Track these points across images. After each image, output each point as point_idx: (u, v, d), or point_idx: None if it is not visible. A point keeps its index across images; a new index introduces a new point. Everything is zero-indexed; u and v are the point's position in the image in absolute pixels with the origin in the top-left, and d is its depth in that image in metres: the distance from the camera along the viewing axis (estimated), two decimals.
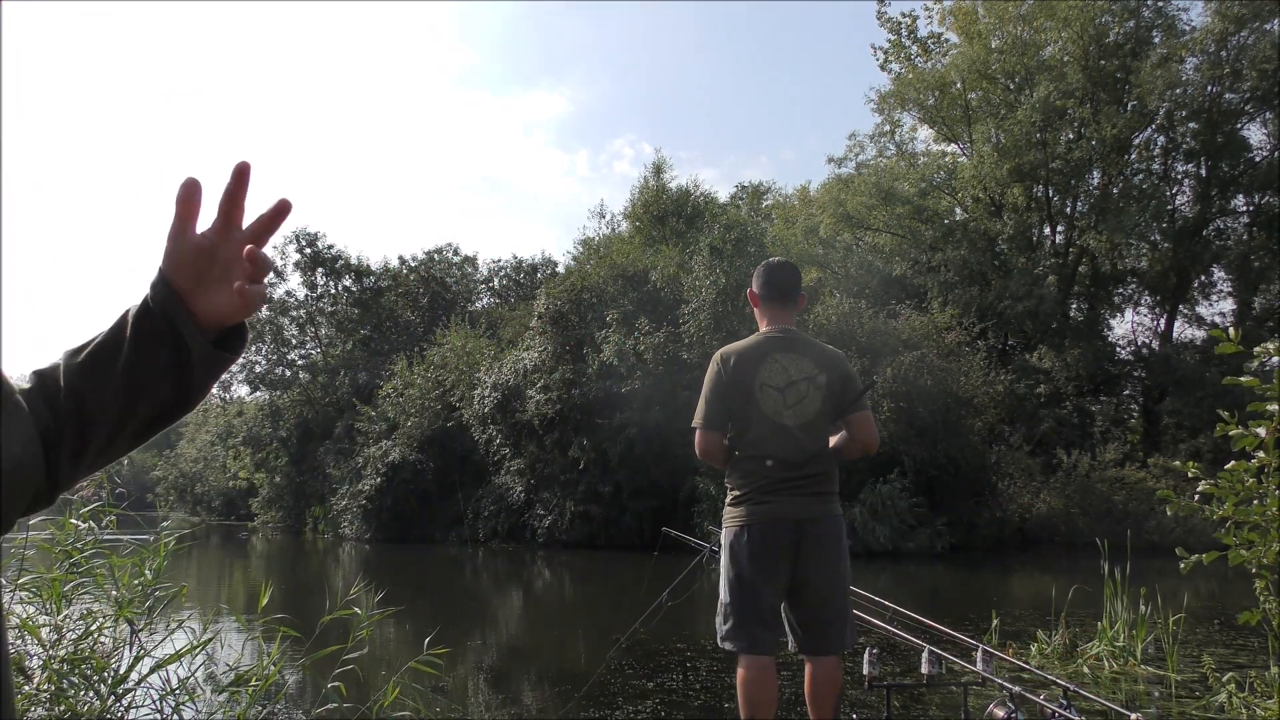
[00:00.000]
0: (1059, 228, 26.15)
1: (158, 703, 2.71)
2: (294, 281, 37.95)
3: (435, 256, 39.01)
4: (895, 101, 27.27)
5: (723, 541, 3.13)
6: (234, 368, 38.19)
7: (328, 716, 3.11)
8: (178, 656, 2.74)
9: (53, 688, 2.57)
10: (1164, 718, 4.79)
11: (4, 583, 2.85)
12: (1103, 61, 24.00)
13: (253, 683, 2.84)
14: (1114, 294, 26.58)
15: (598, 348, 20.60)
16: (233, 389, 39.88)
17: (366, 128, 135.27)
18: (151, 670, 2.72)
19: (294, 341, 38.74)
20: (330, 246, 37.31)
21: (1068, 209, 25.79)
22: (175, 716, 2.71)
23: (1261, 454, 3.16)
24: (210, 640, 2.89)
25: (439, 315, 34.30)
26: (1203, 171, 25.03)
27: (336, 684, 2.87)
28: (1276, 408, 3.04)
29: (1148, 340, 26.70)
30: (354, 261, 37.56)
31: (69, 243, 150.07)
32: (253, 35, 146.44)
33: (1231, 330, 3.14)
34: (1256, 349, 3.12)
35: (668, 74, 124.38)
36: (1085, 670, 5.96)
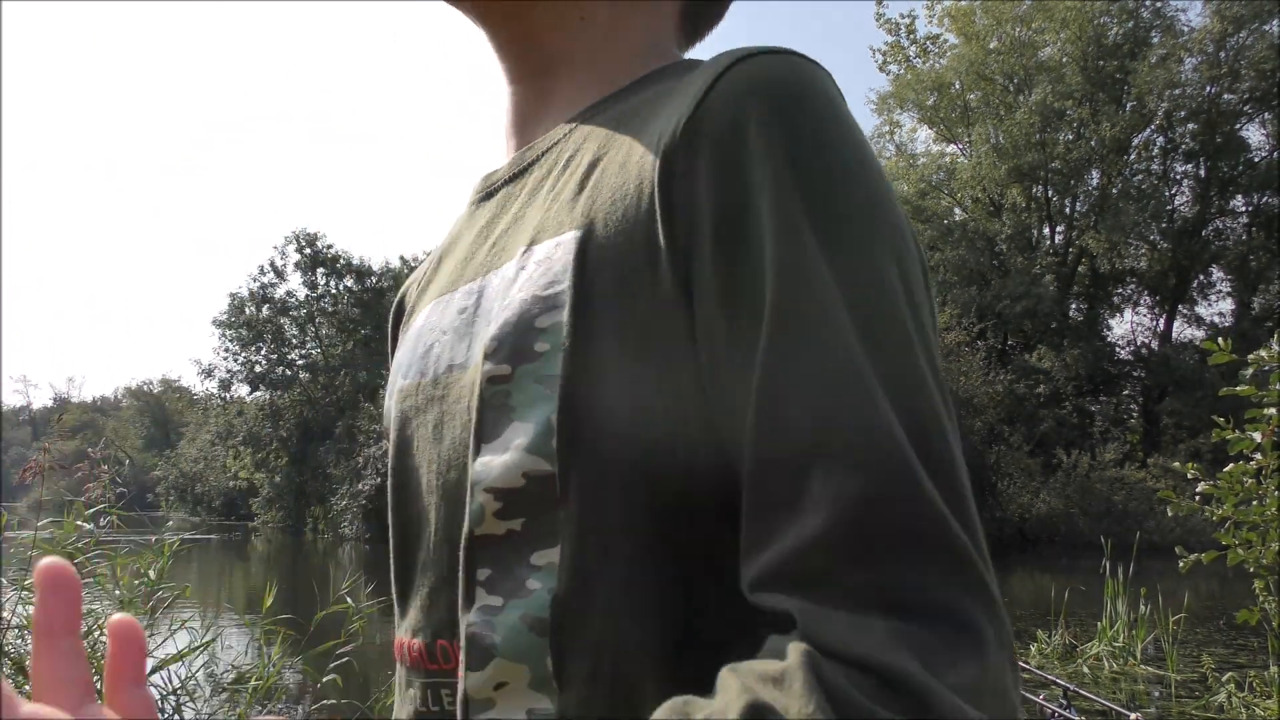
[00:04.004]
0: (1058, 228, 26.15)
1: (159, 703, 2.72)
2: (294, 281, 38.01)
3: None
4: (894, 102, 27.29)
5: None
6: (235, 366, 38.34)
7: (326, 716, 3.12)
8: (179, 657, 2.75)
9: None
10: (1164, 717, 4.80)
11: (4, 582, 2.86)
12: (1101, 62, 24.00)
13: (252, 682, 2.85)
14: (1113, 294, 26.58)
15: None
16: (233, 389, 39.87)
17: (366, 127, 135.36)
18: (153, 670, 2.73)
19: (294, 341, 38.72)
20: (329, 246, 37.32)
21: (1067, 209, 25.79)
22: (176, 716, 2.71)
23: (1260, 456, 3.17)
24: (212, 641, 2.90)
25: None
26: (1202, 172, 25.04)
27: (332, 676, 2.88)
28: (1274, 411, 3.05)
29: (1147, 340, 26.71)
30: (355, 262, 37.58)
31: (68, 243, 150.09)
32: (253, 33, 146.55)
33: (1221, 340, 3.14)
34: (1250, 356, 3.13)
35: None
36: (1085, 670, 5.96)
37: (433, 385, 0.52)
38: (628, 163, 0.46)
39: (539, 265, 0.46)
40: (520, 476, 0.44)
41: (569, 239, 0.45)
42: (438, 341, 0.52)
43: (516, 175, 0.55)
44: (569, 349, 0.43)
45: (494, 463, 0.45)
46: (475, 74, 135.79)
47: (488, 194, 0.57)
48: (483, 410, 0.46)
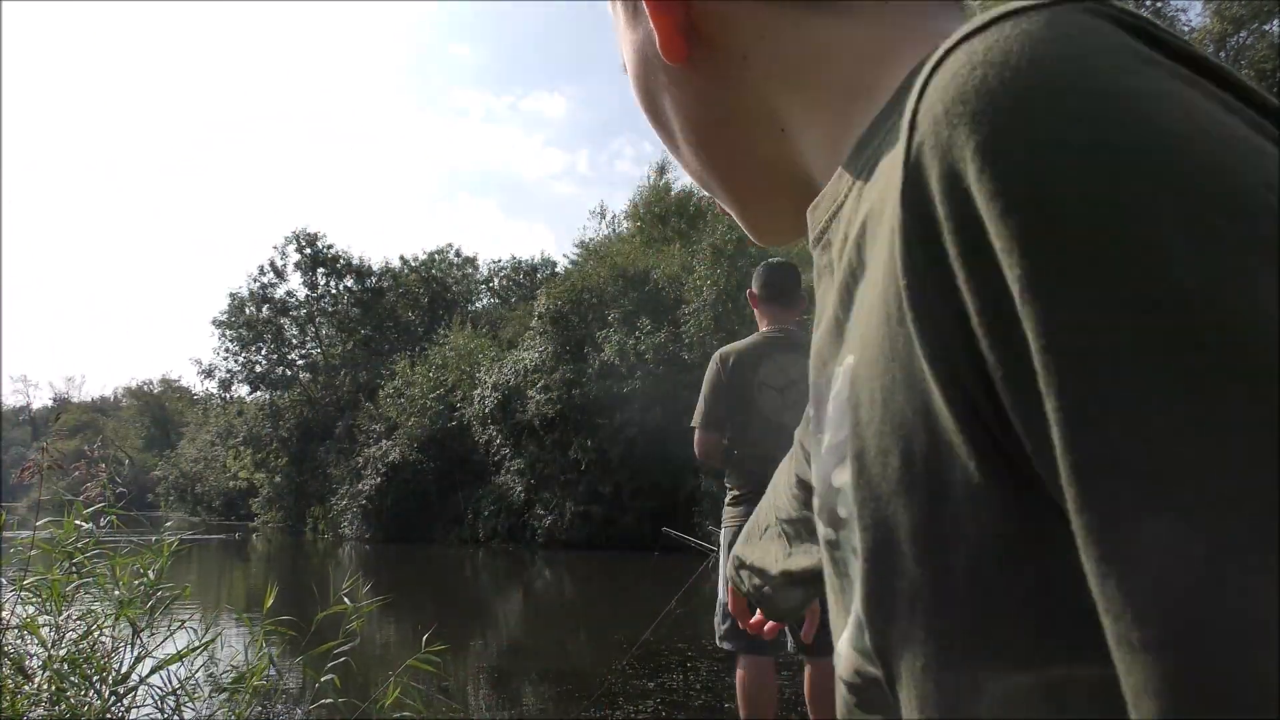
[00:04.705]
0: None
1: (159, 703, 2.72)
2: (294, 281, 38.06)
3: (436, 257, 39.06)
4: None
5: (722, 541, 3.14)
6: (234, 366, 38.35)
7: (325, 716, 3.12)
8: (179, 657, 2.75)
9: (53, 688, 2.57)
10: None
11: (4, 582, 2.86)
12: None
13: (252, 682, 2.85)
14: None
15: (598, 348, 20.62)
16: (233, 389, 39.92)
17: (366, 127, 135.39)
18: (152, 671, 2.72)
19: (294, 341, 38.77)
20: (330, 246, 37.36)
21: None
22: (176, 717, 2.71)
23: None
24: (212, 641, 2.90)
25: (439, 316, 34.35)
26: None
27: (330, 676, 2.88)
28: None
29: None
30: (355, 262, 37.62)
31: (67, 243, 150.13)
32: (253, 33, 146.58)
33: None
34: None
35: None
36: None
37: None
38: (877, 254, 0.36)
39: (835, 400, 0.39)
40: (855, 674, 0.39)
41: (844, 371, 0.38)
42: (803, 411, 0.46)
43: (820, 236, 0.45)
44: (862, 522, 0.36)
45: (840, 649, 0.41)
46: (475, 73, 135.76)
47: (814, 239, 0.47)
48: (838, 574, 0.41)
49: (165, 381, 66.00)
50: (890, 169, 0.34)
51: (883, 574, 0.34)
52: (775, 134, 0.48)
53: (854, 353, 0.37)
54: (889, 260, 0.33)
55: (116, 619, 2.80)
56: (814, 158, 0.47)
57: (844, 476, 0.37)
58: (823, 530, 0.41)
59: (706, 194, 0.57)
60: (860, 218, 0.38)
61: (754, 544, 0.86)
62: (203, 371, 39.90)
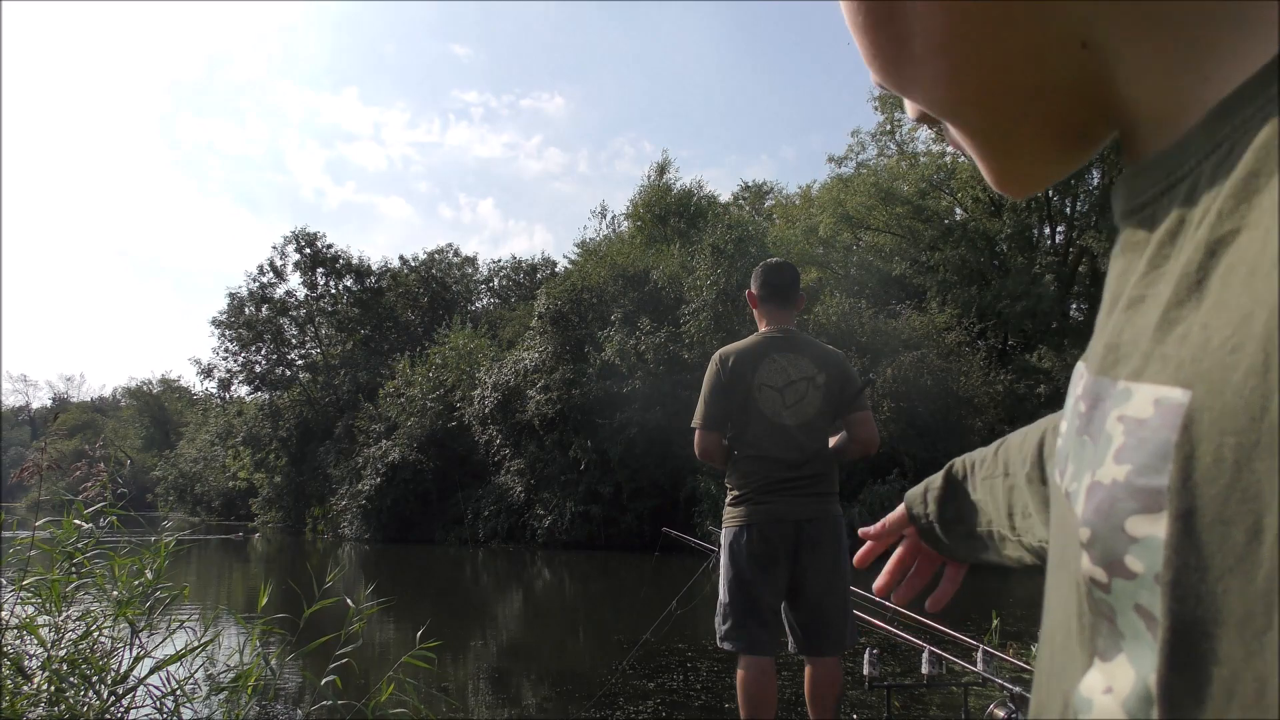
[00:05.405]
0: (1059, 227, 26.19)
1: (158, 703, 2.72)
2: (294, 281, 38.04)
3: (436, 257, 39.08)
4: (896, 100, 27.27)
5: (722, 541, 3.14)
6: (234, 367, 38.37)
7: (324, 716, 3.11)
8: (178, 657, 2.74)
9: (52, 688, 2.57)
10: None
11: (3, 583, 2.86)
12: None
13: (251, 682, 2.84)
14: None
15: (599, 347, 20.62)
16: (233, 389, 39.94)
17: (366, 126, 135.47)
18: (151, 671, 2.72)
19: (294, 341, 38.77)
20: (329, 246, 37.37)
21: (1067, 209, 25.83)
22: (175, 717, 2.71)
23: None
24: (211, 641, 2.89)
25: (439, 316, 34.37)
26: None
27: (332, 678, 2.87)
28: None
29: None
30: (354, 262, 37.64)
31: (68, 242, 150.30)
32: (255, 32, 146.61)
33: None
34: None
35: (668, 72, 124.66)
36: None
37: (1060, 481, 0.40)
38: (1249, 282, 0.29)
39: (1133, 426, 0.33)
40: None
41: (1173, 404, 0.31)
42: (1073, 432, 0.40)
43: (1140, 207, 0.38)
44: (1176, 590, 0.30)
45: (1095, 699, 0.36)
46: (475, 73, 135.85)
47: (1131, 208, 0.39)
48: (1095, 612, 0.36)
49: (164, 381, 66.00)
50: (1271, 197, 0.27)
51: (1198, 655, 0.29)
52: (1072, 49, 0.38)
53: (1185, 386, 0.30)
54: (1261, 296, 0.27)
55: (115, 619, 2.80)
56: (1136, 89, 0.38)
57: (1151, 529, 0.31)
58: (1088, 566, 0.35)
59: (938, 136, 0.43)
60: (1221, 222, 0.31)
61: (972, 483, 0.80)
62: (202, 371, 39.97)
